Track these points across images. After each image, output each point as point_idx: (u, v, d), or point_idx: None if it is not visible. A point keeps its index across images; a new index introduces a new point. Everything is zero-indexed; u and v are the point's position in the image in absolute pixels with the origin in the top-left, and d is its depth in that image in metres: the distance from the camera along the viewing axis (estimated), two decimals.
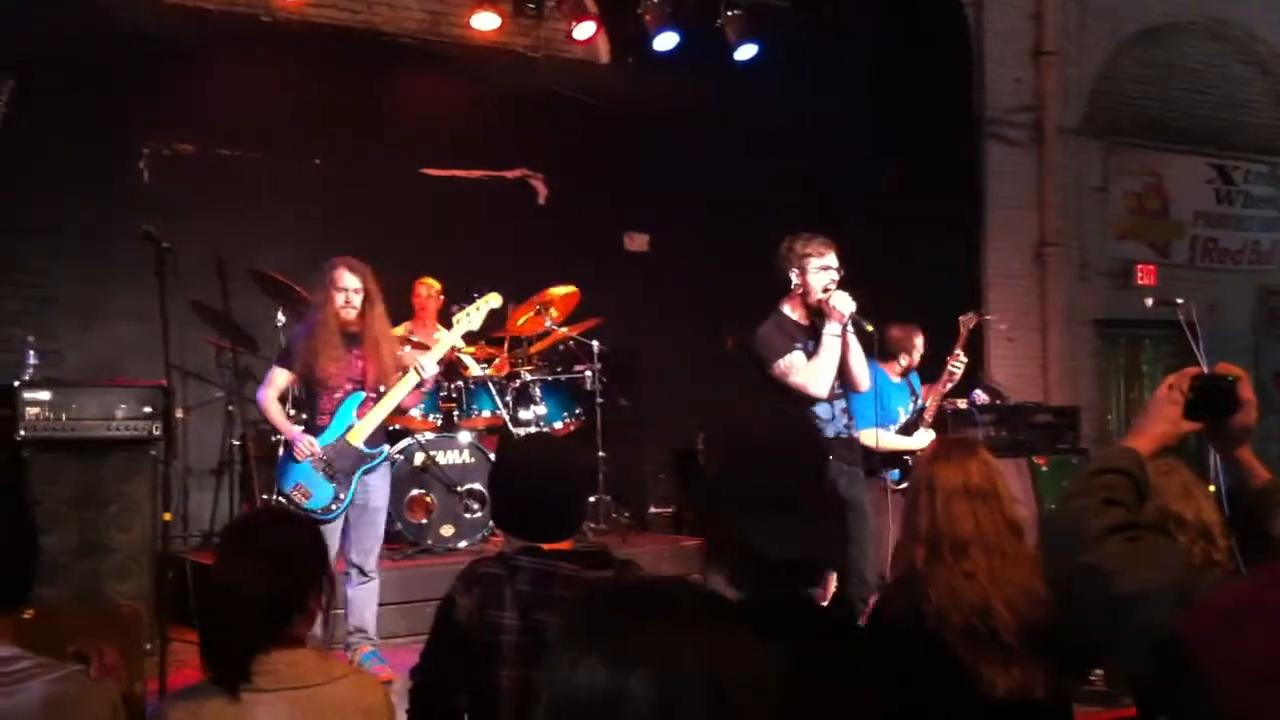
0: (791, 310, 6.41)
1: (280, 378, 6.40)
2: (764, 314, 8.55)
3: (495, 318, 7.19)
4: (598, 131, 10.06)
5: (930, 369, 8.08)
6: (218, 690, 2.62)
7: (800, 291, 6.34)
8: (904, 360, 7.92)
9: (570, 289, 8.61)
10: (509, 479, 3.52)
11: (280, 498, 6.23)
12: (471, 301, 6.88)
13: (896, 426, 7.76)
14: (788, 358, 6.31)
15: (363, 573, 6.32)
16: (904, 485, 6.89)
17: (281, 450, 6.52)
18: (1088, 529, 2.31)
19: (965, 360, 7.92)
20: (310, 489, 6.19)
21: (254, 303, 8.07)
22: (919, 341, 7.96)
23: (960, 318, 8.01)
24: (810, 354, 6.34)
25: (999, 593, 3.22)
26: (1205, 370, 2.56)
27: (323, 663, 2.76)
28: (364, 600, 6.35)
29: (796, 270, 6.32)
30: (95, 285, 8.53)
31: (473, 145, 9.90)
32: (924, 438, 7.68)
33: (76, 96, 8.30)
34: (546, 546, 3.32)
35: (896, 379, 7.89)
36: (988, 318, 8.15)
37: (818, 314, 6.33)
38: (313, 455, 6.14)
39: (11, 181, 8.14)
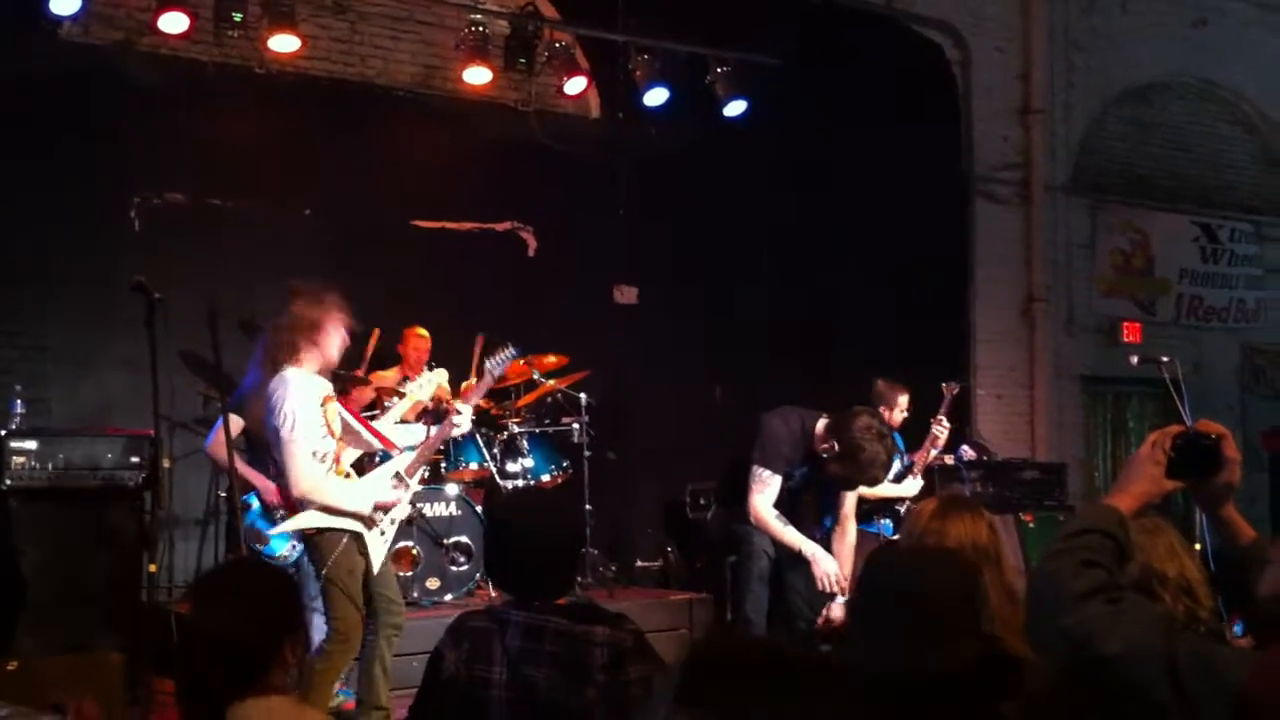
0: (819, 438, 6.31)
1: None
2: (751, 370, 8.62)
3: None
4: (588, 185, 10.12)
5: (915, 432, 8.11)
6: None
7: (825, 444, 6.22)
8: (884, 413, 7.93)
9: (559, 359, 8.67)
10: (508, 535, 3.49)
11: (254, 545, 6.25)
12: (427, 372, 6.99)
13: None
14: (765, 475, 6.30)
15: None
16: (896, 538, 6.90)
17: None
18: (1067, 591, 2.31)
19: (948, 426, 7.94)
20: (267, 537, 6.22)
21: (244, 353, 8.06)
22: (903, 400, 7.97)
23: (943, 384, 8.05)
24: (791, 485, 6.35)
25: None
26: (1189, 427, 2.57)
27: (297, 711, 2.76)
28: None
29: (839, 451, 6.13)
30: (84, 334, 8.52)
31: (463, 197, 9.94)
32: (912, 486, 7.70)
33: (69, 145, 8.33)
34: (540, 601, 3.31)
35: None
36: (968, 385, 8.24)
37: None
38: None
39: (1, 230, 8.15)
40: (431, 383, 6.85)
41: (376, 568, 5.68)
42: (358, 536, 5.59)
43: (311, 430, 5.51)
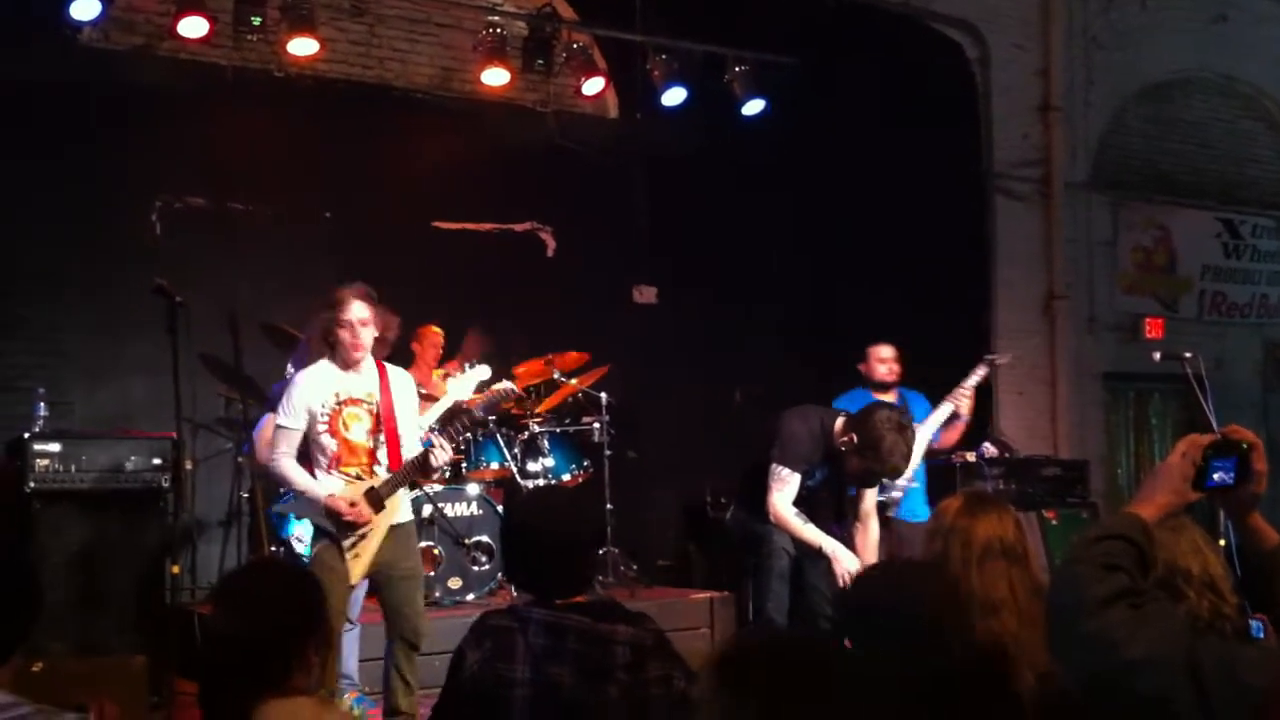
0: (838, 432, 6.28)
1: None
2: (770, 370, 8.57)
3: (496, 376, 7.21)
4: (606, 185, 10.13)
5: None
6: None
7: (844, 438, 6.19)
8: (861, 369, 7.91)
9: (580, 356, 8.65)
10: (521, 534, 3.50)
11: (278, 546, 6.22)
12: (463, 371, 6.93)
13: None
14: (785, 473, 6.27)
15: (349, 620, 6.32)
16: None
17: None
18: (1089, 595, 2.31)
19: (969, 392, 7.79)
20: (305, 536, 6.20)
21: (264, 356, 8.10)
22: (880, 351, 7.90)
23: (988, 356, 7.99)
24: (810, 484, 6.33)
25: (1025, 658, 3.18)
26: (1215, 430, 2.57)
27: (321, 712, 2.76)
28: (349, 649, 6.36)
29: (859, 443, 6.08)
30: (106, 338, 8.56)
31: (482, 199, 9.95)
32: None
33: (90, 150, 8.37)
34: (558, 600, 3.31)
35: (884, 398, 7.81)
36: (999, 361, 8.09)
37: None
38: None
39: (23, 235, 8.20)
40: (472, 380, 6.83)
41: (356, 577, 5.64)
42: (336, 540, 5.59)
43: (296, 418, 5.60)
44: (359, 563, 5.65)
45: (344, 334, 5.61)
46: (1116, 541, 2.41)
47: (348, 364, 5.67)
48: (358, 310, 5.63)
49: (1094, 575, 2.34)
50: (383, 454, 5.74)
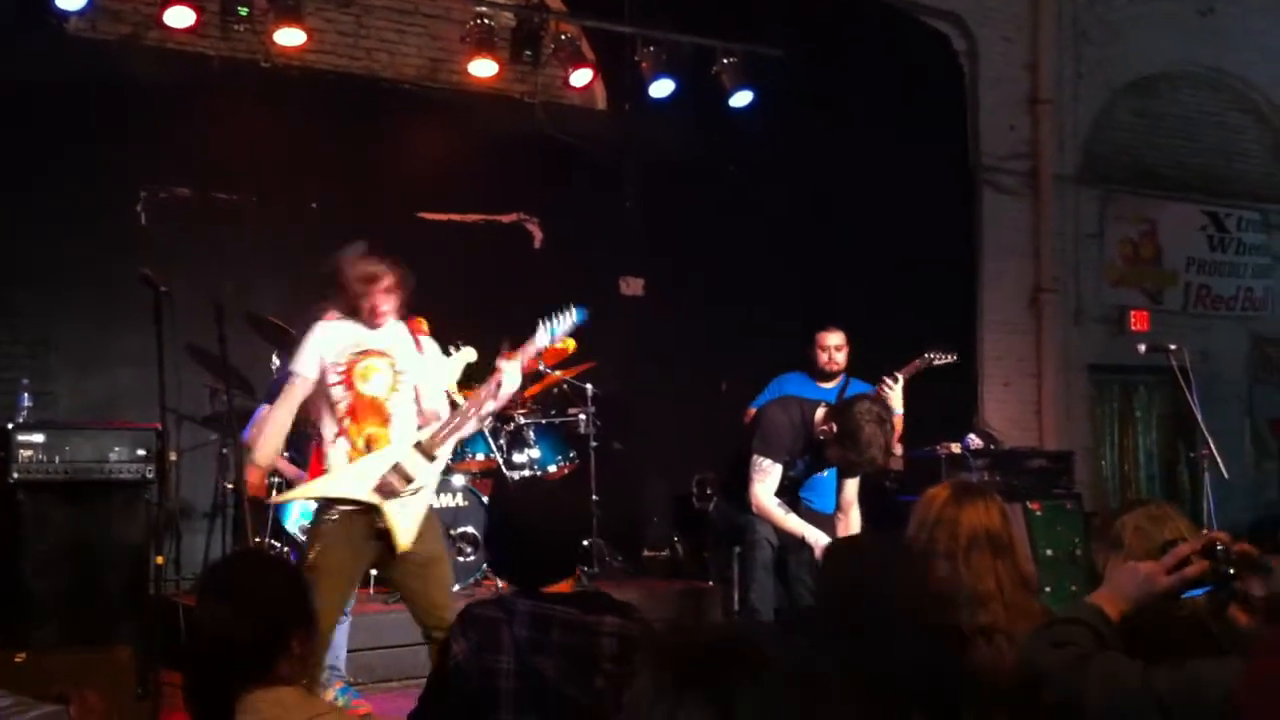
0: (819, 422, 6.26)
1: None
2: (756, 360, 8.58)
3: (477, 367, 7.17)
4: (593, 177, 10.12)
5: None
6: None
7: (824, 427, 6.16)
8: (809, 354, 7.77)
9: (567, 344, 8.60)
10: (503, 523, 3.49)
11: (277, 538, 6.19)
12: (448, 355, 6.81)
13: None
14: (766, 464, 6.26)
15: (342, 612, 6.30)
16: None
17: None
18: (1044, 670, 2.51)
19: (897, 382, 7.61)
20: (308, 526, 6.18)
21: (250, 346, 8.07)
22: (824, 339, 7.72)
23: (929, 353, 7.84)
24: (792, 472, 6.34)
25: (1012, 649, 3.18)
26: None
27: (305, 701, 2.76)
28: (339, 640, 6.32)
29: (839, 433, 6.04)
30: (91, 329, 8.53)
31: (469, 190, 9.94)
32: None
33: (75, 140, 8.34)
34: (545, 589, 3.30)
35: (825, 385, 7.72)
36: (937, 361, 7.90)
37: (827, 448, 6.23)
38: None
39: (8, 225, 8.16)
40: (459, 363, 6.76)
41: (408, 539, 5.20)
42: (361, 514, 5.22)
43: (308, 365, 5.24)
44: (408, 531, 5.22)
45: (375, 301, 5.35)
46: (1072, 625, 2.57)
47: (368, 316, 5.37)
48: (389, 279, 5.41)
49: (1043, 650, 2.54)
50: (403, 413, 5.35)
